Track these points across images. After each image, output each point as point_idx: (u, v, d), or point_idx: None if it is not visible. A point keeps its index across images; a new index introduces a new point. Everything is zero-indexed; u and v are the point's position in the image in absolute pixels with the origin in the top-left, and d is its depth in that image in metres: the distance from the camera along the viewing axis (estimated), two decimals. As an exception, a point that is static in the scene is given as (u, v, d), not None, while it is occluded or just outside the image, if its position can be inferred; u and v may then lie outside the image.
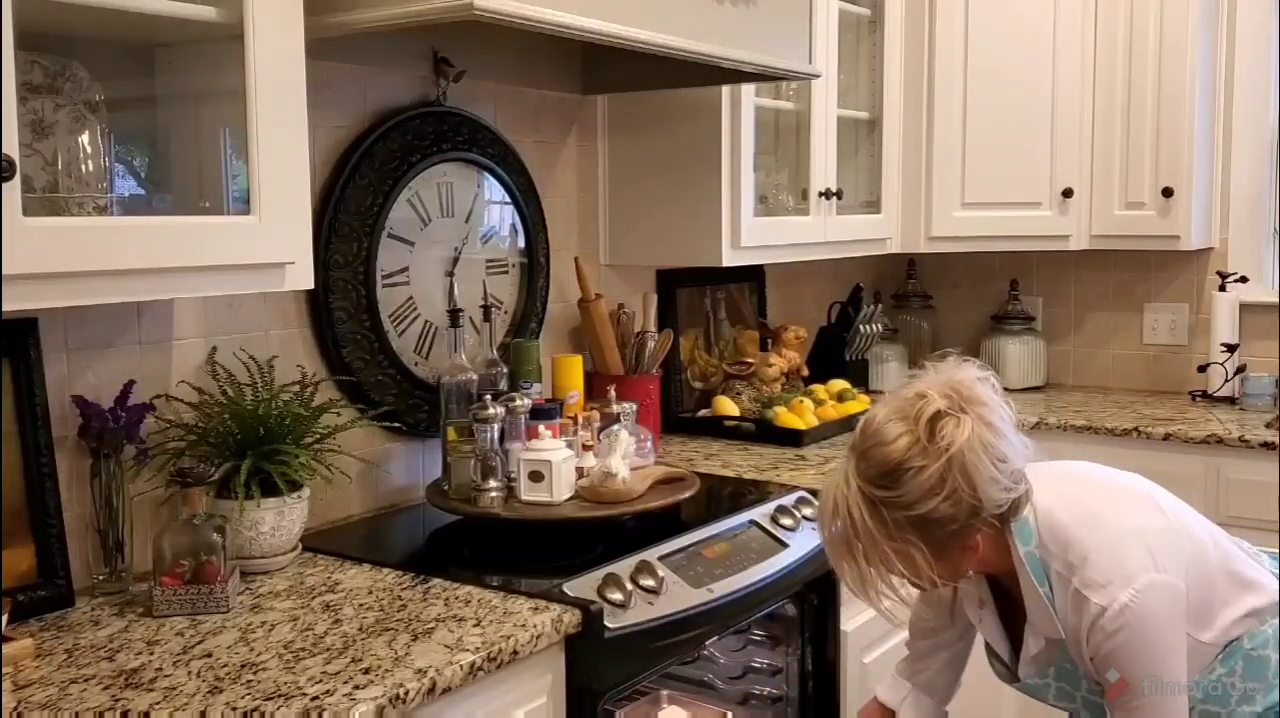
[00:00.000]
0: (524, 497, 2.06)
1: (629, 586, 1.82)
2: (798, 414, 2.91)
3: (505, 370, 2.34)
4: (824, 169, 2.95)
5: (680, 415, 3.01)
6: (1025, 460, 1.51)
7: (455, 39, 2.26)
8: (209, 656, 1.53)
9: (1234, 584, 1.60)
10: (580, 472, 2.12)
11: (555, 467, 2.04)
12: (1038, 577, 1.56)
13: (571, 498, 2.08)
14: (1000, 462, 1.47)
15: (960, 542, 1.51)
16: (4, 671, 1.45)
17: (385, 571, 1.90)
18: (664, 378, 2.87)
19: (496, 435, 2.09)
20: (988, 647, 1.75)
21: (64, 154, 1.64)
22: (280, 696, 1.40)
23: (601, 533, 2.05)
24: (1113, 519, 1.56)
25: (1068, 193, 3.34)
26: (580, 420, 2.27)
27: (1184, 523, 1.60)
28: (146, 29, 1.67)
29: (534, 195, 2.60)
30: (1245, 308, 3.48)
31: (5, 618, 1.51)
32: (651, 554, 1.94)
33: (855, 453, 1.52)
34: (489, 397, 2.11)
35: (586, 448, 2.21)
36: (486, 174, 2.48)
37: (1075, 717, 1.72)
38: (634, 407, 2.36)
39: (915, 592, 1.62)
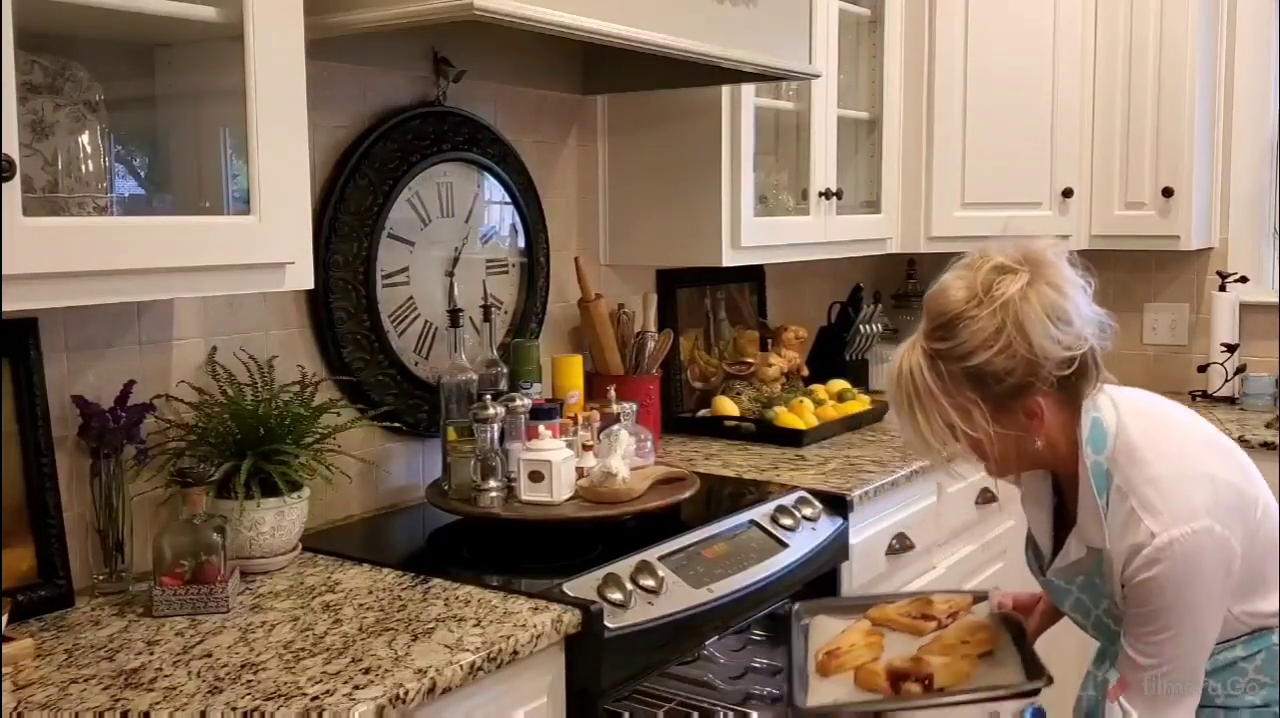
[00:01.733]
0: (524, 497, 2.06)
1: (629, 586, 1.82)
2: (798, 414, 2.91)
3: (505, 370, 2.34)
4: (824, 169, 2.95)
5: (680, 415, 3.01)
6: (1095, 328, 1.51)
7: (455, 39, 2.26)
8: (209, 656, 1.53)
9: None
10: (580, 472, 2.12)
11: (555, 467, 2.04)
12: (1098, 485, 1.55)
13: (571, 498, 2.08)
14: (1060, 320, 1.47)
15: (1020, 402, 1.51)
16: (4, 671, 1.45)
17: (385, 570, 1.90)
18: (664, 378, 2.87)
19: (496, 435, 2.09)
20: (1029, 537, 1.75)
21: (64, 154, 1.64)
22: (280, 696, 1.40)
23: (601, 533, 2.05)
24: (1193, 458, 1.54)
25: (1068, 193, 3.34)
26: (580, 420, 2.27)
27: (1262, 498, 1.57)
28: (146, 29, 1.67)
29: (534, 195, 2.60)
30: (1245, 308, 3.49)
31: (5, 618, 1.51)
32: (651, 554, 1.94)
33: (922, 313, 1.56)
34: (489, 397, 2.12)
35: (586, 448, 2.21)
36: (486, 174, 2.48)
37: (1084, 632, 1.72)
38: (634, 407, 2.36)
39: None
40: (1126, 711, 1.53)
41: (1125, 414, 1.56)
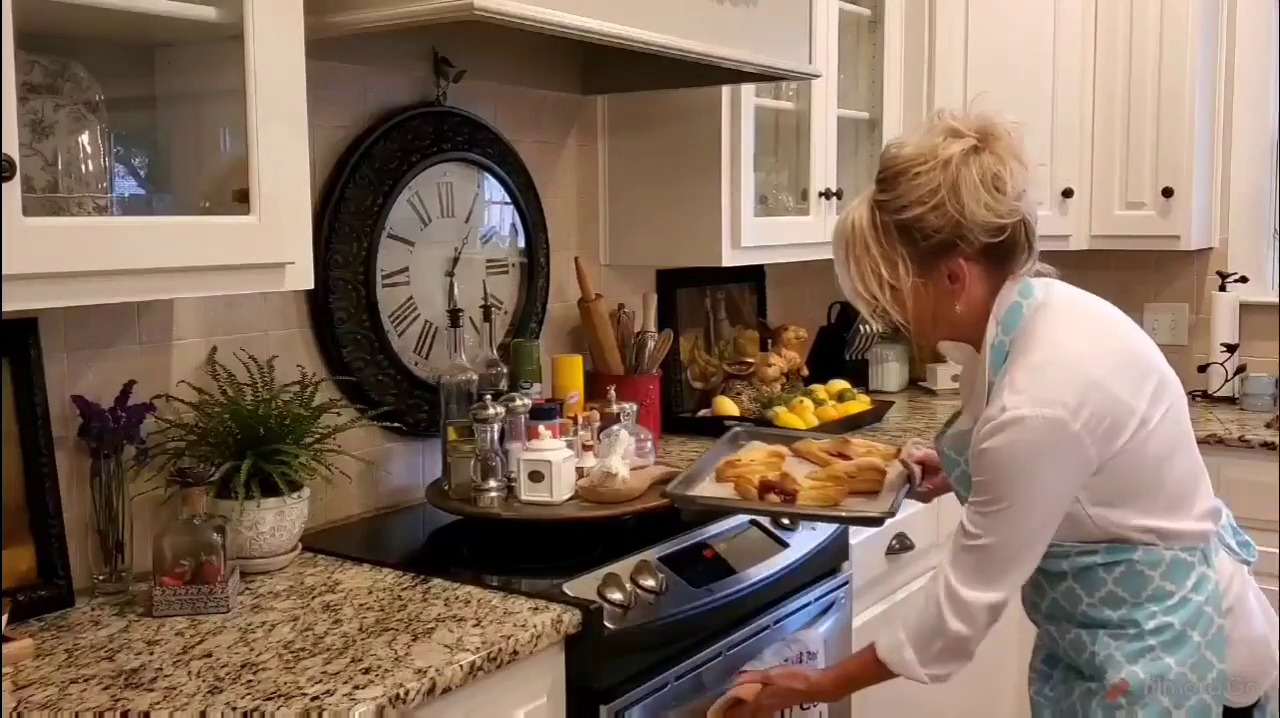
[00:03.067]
0: (524, 497, 2.06)
1: (629, 586, 1.82)
2: (798, 414, 2.91)
3: (505, 370, 2.34)
4: (824, 169, 2.95)
5: (680, 415, 3.00)
6: (1031, 205, 1.57)
7: (455, 39, 2.26)
8: (209, 656, 1.53)
9: (1162, 504, 1.58)
10: (580, 472, 2.12)
11: (555, 467, 2.04)
12: (995, 362, 1.59)
13: (571, 498, 2.08)
14: (996, 189, 1.53)
15: (945, 261, 1.57)
16: (4, 671, 1.45)
17: (385, 571, 1.90)
18: (664, 378, 2.87)
19: (496, 435, 2.09)
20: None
21: (64, 154, 1.64)
22: (280, 696, 1.40)
23: (601, 533, 2.05)
24: (1084, 361, 1.55)
25: (1068, 193, 3.35)
26: (580, 420, 2.27)
27: (1152, 421, 1.56)
28: (146, 29, 1.67)
29: (534, 195, 2.60)
30: (1245, 308, 3.49)
31: (5, 618, 1.51)
32: (651, 554, 1.94)
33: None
34: (489, 397, 2.12)
35: (586, 448, 2.21)
36: (486, 174, 2.48)
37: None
38: (634, 407, 2.36)
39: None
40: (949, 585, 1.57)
41: (1050, 307, 1.60)
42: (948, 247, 1.56)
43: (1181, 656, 1.57)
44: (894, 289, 1.60)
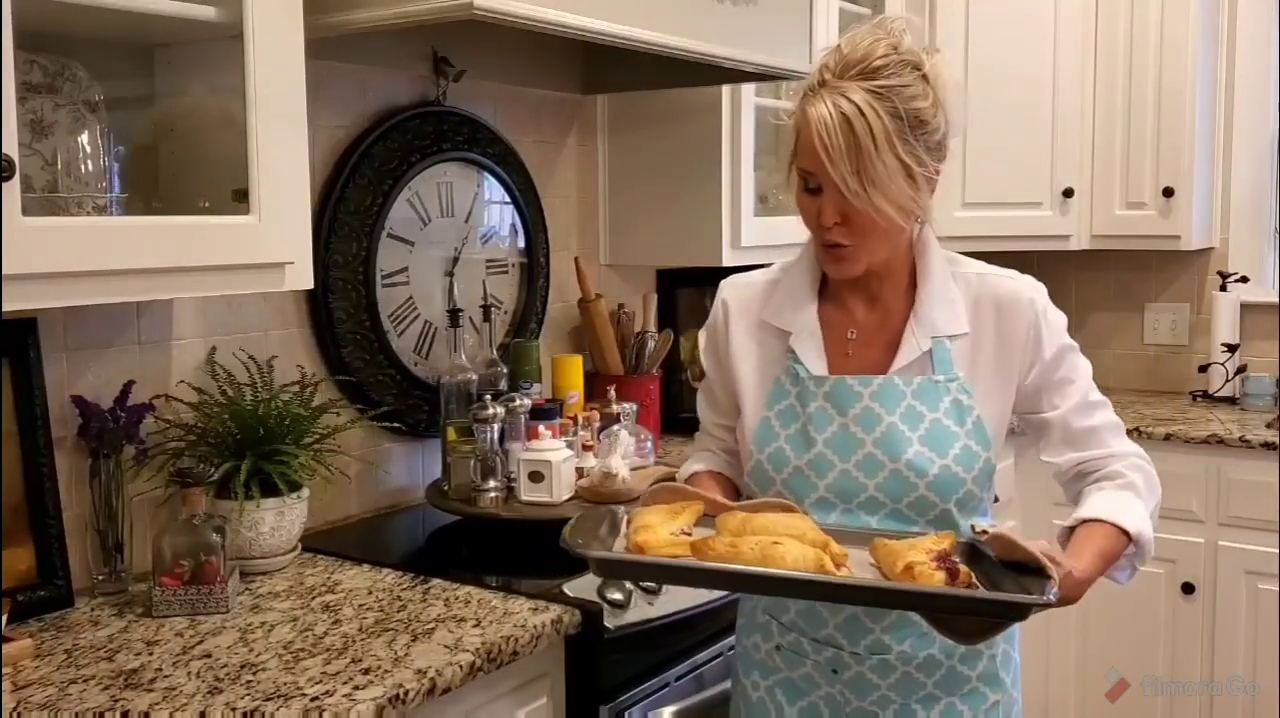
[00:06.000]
0: (524, 497, 2.06)
1: (629, 586, 1.82)
2: (798, 414, 2.90)
3: (505, 370, 2.34)
4: (824, 169, 2.94)
5: (680, 415, 3.00)
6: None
7: (455, 39, 2.26)
8: (208, 656, 1.53)
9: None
10: (580, 472, 2.12)
11: (555, 467, 2.04)
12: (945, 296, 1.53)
13: (571, 498, 2.08)
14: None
15: (935, 165, 1.43)
16: (4, 671, 1.45)
17: (385, 571, 1.90)
18: (664, 378, 2.87)
19: (496, 436, 2.09)
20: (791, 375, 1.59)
21: (64, 154, 1.64)
22: (280, 696, 1.40)
23: (601, 533, 2.05)
24: None
25: (1068, 193, 3.34)
26: (580, 420, 2.27)
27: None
28: (146, 29, 1.67)
29: (534, 195, 2.60)
30: (1246, 308, 3.48)
31: (5, 618, 1.51)
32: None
33: (829, 72, 1.42)
34: (489, 397, 2.12)
35: (586, 448, 2.21)
36: (486, 174, 2.48)
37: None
38: (634, 407, 2.36)
39: None
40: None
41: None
42: (942, 146, 1.43)
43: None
44: (912, 183, 1.41)
